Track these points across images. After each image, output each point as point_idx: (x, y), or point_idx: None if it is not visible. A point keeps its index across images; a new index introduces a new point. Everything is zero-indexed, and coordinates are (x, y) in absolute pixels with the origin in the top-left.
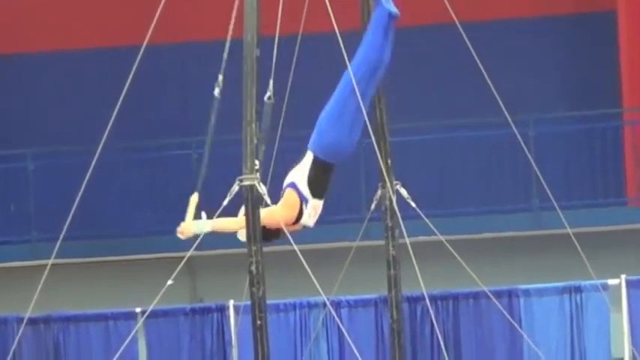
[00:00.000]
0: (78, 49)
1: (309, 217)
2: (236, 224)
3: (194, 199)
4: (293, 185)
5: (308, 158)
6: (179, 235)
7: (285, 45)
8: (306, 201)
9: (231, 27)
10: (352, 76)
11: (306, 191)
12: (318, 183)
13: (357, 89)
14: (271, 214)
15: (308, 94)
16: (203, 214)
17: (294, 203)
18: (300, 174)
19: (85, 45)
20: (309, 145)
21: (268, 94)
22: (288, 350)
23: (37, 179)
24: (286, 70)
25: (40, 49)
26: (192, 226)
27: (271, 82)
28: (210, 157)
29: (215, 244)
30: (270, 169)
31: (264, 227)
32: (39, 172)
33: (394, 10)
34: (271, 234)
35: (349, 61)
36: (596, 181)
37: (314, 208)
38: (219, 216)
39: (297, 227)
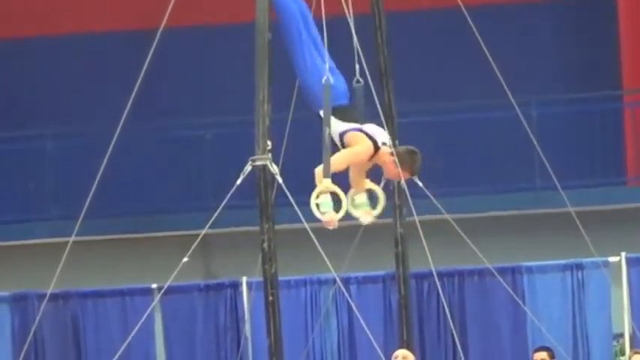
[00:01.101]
0: (97, 31)
1: (380, 135)
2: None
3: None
4: (344, 131)
5: (331, 119)
6: (329, 227)
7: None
8: (359, 129)
9: None
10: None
11: (353, 126)
12: (350, 117)
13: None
14: (353, 151)
15: None
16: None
17: (360, 136)
18: (338, 125)
19: (104, 28)
20: (314, 109)
21: (356, 77)
22: (299, 325)
23: (56, 159)
24: None
25: (60, 31)
26: (333, 214)
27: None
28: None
29: (228, 222)
30: (282, 150)
31: None
32: (58, 152)
33: None
34: (406, 160)
35: (360, 45)
36: (597, 161)
37: (373, 129)
38: (232, 195)
39: (387, 149)
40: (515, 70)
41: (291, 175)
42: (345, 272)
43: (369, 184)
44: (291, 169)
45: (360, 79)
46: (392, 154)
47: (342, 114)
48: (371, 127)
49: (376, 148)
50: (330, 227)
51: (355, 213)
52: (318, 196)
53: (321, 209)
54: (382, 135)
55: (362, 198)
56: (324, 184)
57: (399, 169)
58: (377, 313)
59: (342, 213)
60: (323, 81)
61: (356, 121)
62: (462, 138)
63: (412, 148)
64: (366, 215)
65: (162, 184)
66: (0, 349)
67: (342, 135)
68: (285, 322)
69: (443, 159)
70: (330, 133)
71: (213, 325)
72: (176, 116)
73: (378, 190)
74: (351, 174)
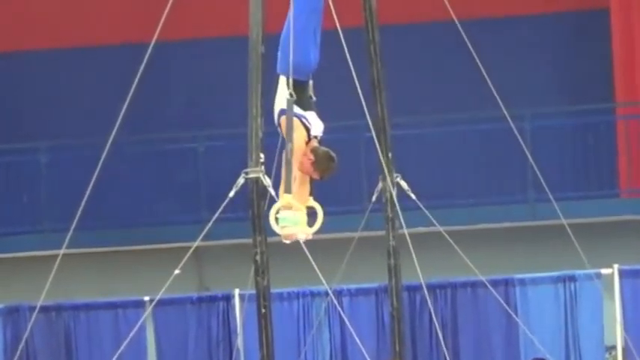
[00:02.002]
0: (90, 45)
1: (316, 127)
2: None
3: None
4: (283, 111)
5: (282, 83)
6: (286, 241)
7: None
8: (303, 117)
9: None
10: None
11: (297, 110)
12: (301, 99)
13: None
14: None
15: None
16: None
17: (296, 123)
18: (283, 100)
19: (97, 42)
20: (278, 70)
21: (289, 91)
22: (292, 337)
23: (49, 172)
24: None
25: (53, 46)
26: (292, 228)
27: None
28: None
29: (221, 235)
30: (275, 163)
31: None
32: (51, 164)
33: None
34: (322, 164)
35: (350, 59)
36: (590, 173)
37: (313, 118)
38: (224, 208)
39: (314, 143)
40: (509, 83)
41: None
42: (337, 285)
43: (311, 202)
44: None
45: (293, 94)
46: (312, 150)
47: (296, 92)
48: (311, 116)
49: (309, 137)
50: (288, 241)
51: (276, 229)
52: (278, 212)
53: (280, 224)
54: (317, 127)
55: (285, 214)
56: (285, 199)
57: (311, 169)
58: (369, 326)
59: (316, 227)
60: (287, 96)
61: (306, 105)
62: (456, 150)
63: (332, 154)
64: (290, 232)
65: (155, 197)
66: None
67: (280, 113)
68: (277, 334)
69: (436, 171)
70: (292, 148)
71: (206, 338)
72: (169, 130)
73: (317, 207)
74: (294, 185)
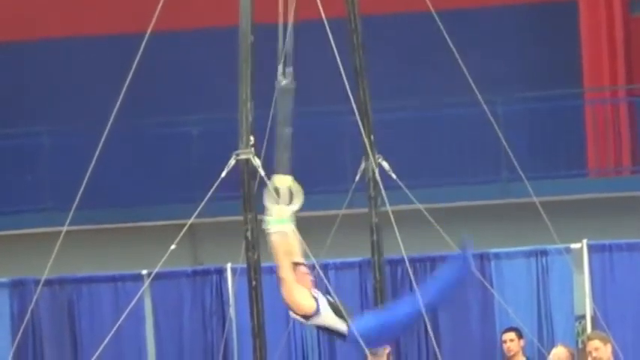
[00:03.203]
0: (90, 35)
1: (316, 320)
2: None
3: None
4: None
5: (342, 324)
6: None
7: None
8: (318, 311)
9: None
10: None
11: (324, 301)
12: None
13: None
14: (294, 291)
15: (300, 78)
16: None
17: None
18: (328, 315)
19: (96, 32)
20: (352, 325)
21: (279, 78)
22: (281, 308)
23: (52, 154)
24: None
25: (56, 35)
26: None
27: (280, 66)
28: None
29: (214, 212)
30: (264, 145)
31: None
32: (54, 147)
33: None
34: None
35: (335, 47)
36: (560, 154)
37: (327, 312)
38: (217, 187)
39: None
40: (484, 70)
41: (273, 168)
42: (323, 259)
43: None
44: (273, 163)
45: (280, 79)
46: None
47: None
48: (326, 310)
49: (306, 315)
50: None
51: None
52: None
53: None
54: (318, 320)
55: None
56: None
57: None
58: (353, 297)
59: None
60: (279, 81)
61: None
62: (434, 133)
63: None
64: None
65: (152, 177)
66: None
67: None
68: (267, 305)
69: (416, 152)
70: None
71: (200, 309)
72: (165, 114)
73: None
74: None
